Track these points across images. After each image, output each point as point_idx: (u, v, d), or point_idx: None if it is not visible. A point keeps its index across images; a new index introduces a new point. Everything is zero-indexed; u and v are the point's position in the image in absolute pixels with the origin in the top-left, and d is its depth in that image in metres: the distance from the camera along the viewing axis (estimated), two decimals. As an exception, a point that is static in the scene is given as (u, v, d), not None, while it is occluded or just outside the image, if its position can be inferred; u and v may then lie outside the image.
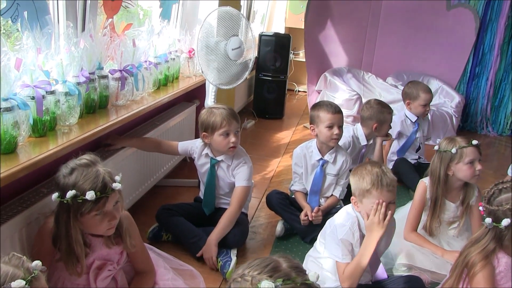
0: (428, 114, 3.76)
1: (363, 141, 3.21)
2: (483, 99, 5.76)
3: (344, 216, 1.98)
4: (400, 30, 5.60)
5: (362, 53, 5.67)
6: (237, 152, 2.51)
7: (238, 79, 3.02)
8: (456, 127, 5.21)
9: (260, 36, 5.16)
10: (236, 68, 2.96)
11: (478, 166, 2.33)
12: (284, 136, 4.68)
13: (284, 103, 5.36)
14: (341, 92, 4.69)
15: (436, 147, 2.44)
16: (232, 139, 2.40)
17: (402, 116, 3.70)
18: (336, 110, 2.66)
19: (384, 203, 1.81)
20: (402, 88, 5.12)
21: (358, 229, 1.93)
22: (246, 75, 3.02)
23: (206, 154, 2.52)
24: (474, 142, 2.35)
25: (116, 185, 1.60)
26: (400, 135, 3.67)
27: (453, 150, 2.32)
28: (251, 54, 3.02)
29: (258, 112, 5.25)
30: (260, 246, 2.59)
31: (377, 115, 3.14)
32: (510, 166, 3.14)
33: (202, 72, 2.89)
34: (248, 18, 5.70)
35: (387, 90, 5.16)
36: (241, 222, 2.46)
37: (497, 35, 5.57)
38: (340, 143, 2.94)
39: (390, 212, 1.83)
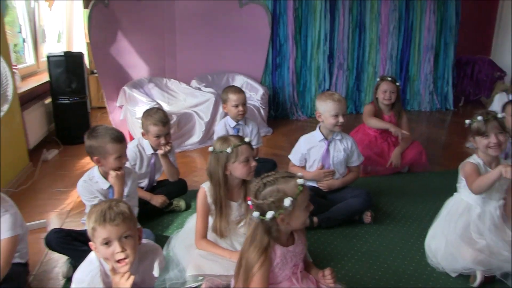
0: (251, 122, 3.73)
1: (149, 151, 3.14)
2: (288, 87, 6.10)
3: (85, 267, 1.80)
4: (198, 31, 5.64)
5: (164, 60, 5.59)
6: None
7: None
8: (266, 118, 5.42)
9: (48, 57, 4.76)
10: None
11: (253, 163, 2.37)
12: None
13: (89, 124, 5.05)
14: (141, 105, 4.55)
15: (210, 149, 2.43)
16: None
17: (223, 122, 3.71)
18: (119, 139, 2.53)
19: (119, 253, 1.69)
20: (206, 90, 5.20)
21: (101, 280, 1.75)
22: (5, 109, 2.72)
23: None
24: (247, 139, 2.39)
25: None
26: None
27: (228, 150, 2.33)
28: (9, 83, 2.73)
29: (62, 139, 4.86)
30: (47, 293, 2.36)
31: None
32: (293, 150, 3.24)
33: None
34: (35, 38, 5.28)
35: (191, 94, 5.15)
36: (13, 277, 2.19)
37: (289, 27, 5.92)
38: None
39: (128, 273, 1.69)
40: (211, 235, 2.47)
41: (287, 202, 1.75)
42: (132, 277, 1.67)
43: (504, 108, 3.52)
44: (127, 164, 2.81)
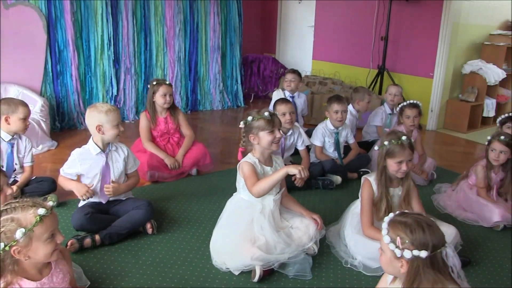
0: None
1: None
2: (73, 95, 5.67)
3: None
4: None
5: None
6: None
7: None
8: (48, 131, 4.95)
9: None
10: None
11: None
12: None
13: None
14: None
15: None
16: None
17: None
18: None
19: None
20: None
21: None
22: None
23: None
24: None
25: None
26: None
27: None
28: None
29: None
30: None
31: None
32: (66, 163, 2.99)
33: None
34: None
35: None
36: None
37: (68, 31, 5.50)
38: None
39: None
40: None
41: (18, 233, 1.59)
42: None
43: (274, 106, 3.73)
44: None
